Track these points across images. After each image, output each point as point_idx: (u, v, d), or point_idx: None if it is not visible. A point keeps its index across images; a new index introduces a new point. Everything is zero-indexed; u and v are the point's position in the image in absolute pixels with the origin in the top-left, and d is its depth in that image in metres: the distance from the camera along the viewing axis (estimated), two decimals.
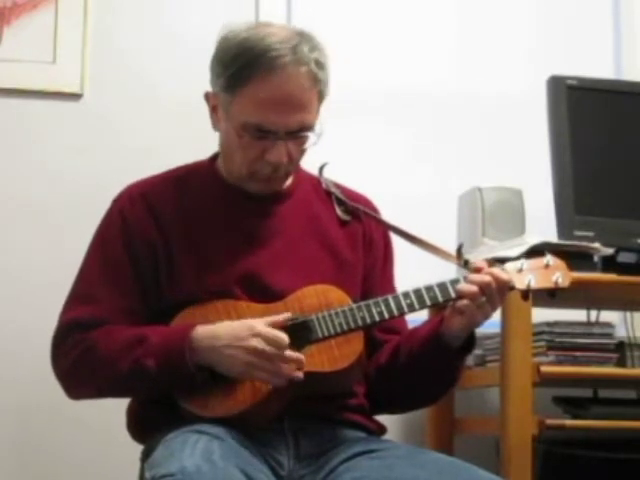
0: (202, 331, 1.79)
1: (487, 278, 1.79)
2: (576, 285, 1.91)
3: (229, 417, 1.76)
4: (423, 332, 1.91)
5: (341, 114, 2.93)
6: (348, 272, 1.96)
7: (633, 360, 2.56)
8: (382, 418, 2.00)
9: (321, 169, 2.05)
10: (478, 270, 1.82)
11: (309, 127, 1.87)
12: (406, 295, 1.83)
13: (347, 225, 2.00)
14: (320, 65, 1.86)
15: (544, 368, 2.40)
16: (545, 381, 2.40)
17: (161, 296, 1.89)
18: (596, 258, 2.54)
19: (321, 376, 1.79)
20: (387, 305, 1.83)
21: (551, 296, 1.88)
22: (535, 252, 2.16)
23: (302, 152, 1.92)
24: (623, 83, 2.98)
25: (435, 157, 3.14)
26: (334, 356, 1.81)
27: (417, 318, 2.04)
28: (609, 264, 2.54)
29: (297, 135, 1.87)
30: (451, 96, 3.15)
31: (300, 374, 1.75)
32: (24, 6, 2.87)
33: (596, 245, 2.50)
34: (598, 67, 3.11)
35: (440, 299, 1.83)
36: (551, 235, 2.53)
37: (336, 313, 1.82)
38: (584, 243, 2.50)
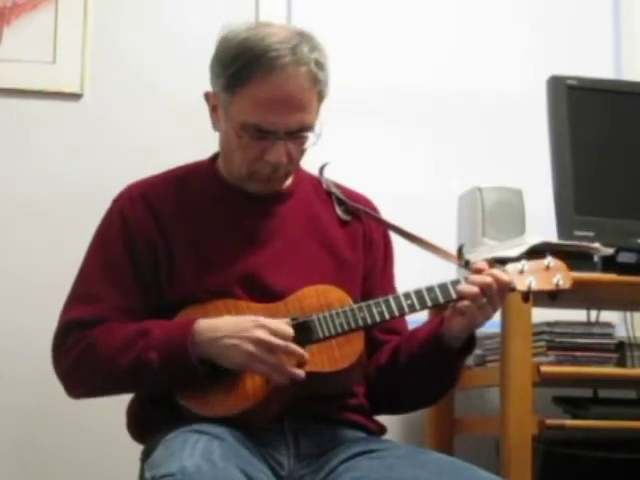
0: (204, 324, 1.79)
1: (488, 279, 1.79)
2: (576, 285, 1.91)
3: (229, 416, 1.76)
4: (423, 333, 1.91)
5: (341, 114, 2.93)
6: (348, 272, 1.96)
7: (633, 360, 2.57)
8: (382, 418, 2.00)
9: (321, 169, 2.05)
10: (479, 271, 1.82)
11: (309, 127, 1.87)
12: (407, 295, 1.83)
13: (347, 225, 2.00)
14: (320, 65, 1.86)
15: (544, 368, 2.40)
16: (545, 381, 2.40)
17: (161, 296, 1.89)
18: (596, 258, 2.55)
19: (321, 376, 1.79)
20: (388, 305, 1.83)
21: (552, 298, 1.88)
22: (535, 252, 2.17)
23: (302, 152, 1.92)
24: (623, 83, 2.98)
25: (435, 157, 3.14)
26: (334, 356, 1.81)
27: (417, 319, 2.04)
28: (609, 264, 2.55)
29: (297, 135, 1.87)
30: (451, 96, 3.16)
31: (302, 373, 1.75)
32: (24, 6, 2.87)
33: (596, 245, 2.50)
34: (598, 67, 3.11)
35: (441, 300, 1.83)
36: (551, 235, 2.53)
37: (337, 313, 1.82)
38: (584, 243, 2.50)
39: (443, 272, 2.13)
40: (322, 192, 2.03)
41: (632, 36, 3.26)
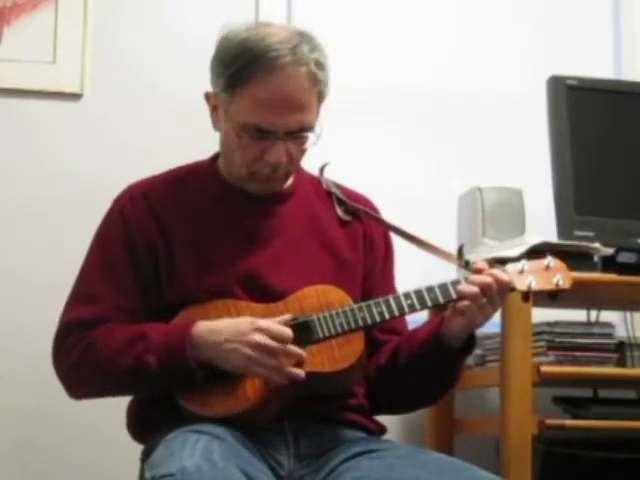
0: (203, 327, 1.79)
1: (488, 279, 1.79)
2: (576, 285, 1.91)
3: (229, 416, 1.76)
4: (423, 333, 1.91)
5: (341, 114, 2.92)
6: (348, 272, 1.96)
7: (633, 360, 2.57)
8: (382, 418, 2.00)
9: (322, 169, 2.05)
10: (479, 271, 1.82)
11: (309, 127, 1.87)
12: (407, 295, 1.83)
13: (347, 225, 2.00)
14: (320, 65, 1.86)
15: (544, 368, 2.40)
16: (545, 381, 2.40)
17: (161, 296, 1.89)
18: (596, 258, 2.55)
19: (321, 376, 1.79)
20: (388, 305, 1.83)
21: (552, 298, 1.88)
22: (535, 252, 2.17)
23: (302, 152, 1.92)
24: (623, 83, 2.98)
25: (435, 157, 3.14)
26: (334, 356, 1.81)
27: (417, 319, 2.04)
28: (609, 264, 2.55)
29: (297, 135, 1.87)
30: (451, 96, 3.16)
31: (302, 373, 1.75)
32: (24, 6, 2.87)
33: (596, 245, 2.50)
34: (598, 67, 3.11)
35: (441, 300, 1.83)
36: (551, 235, 2.53)
37: (337, 313, 1.82)
38: (584, 243, 2.50)
39: (443, 272, 2.13)
40: (322, 192, 2.03)
41: (632, 36, 3.26)
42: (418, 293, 1.83)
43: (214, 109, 1.93)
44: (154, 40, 2.95)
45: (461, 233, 2.76)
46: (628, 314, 2.83)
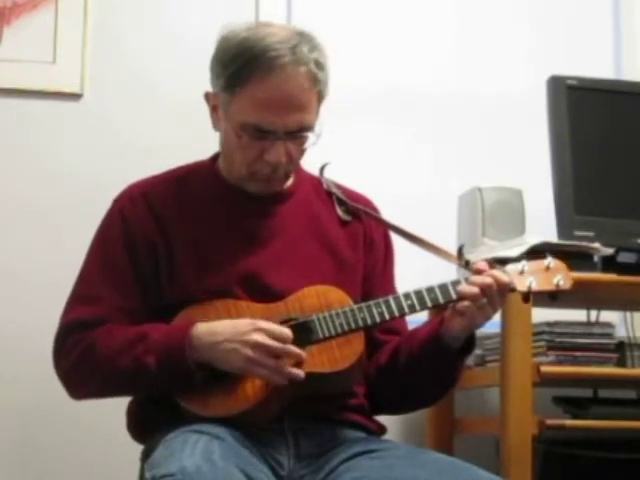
0: (202, 328, 1.79)
1: (488, 280, 1.79)
2: (576, 285, 1.91)
3: (229, 417, 1.76)
4: (423, 333, 1.91)
5: (341, 114, 2.93)
6: (348, 272, 1.96)
7: (633, 360, 2.57)
8: (382, 418, 2.00)
9: (322, 169, 2.05)
10: (479, 272, 1.82)
11: (308, 127, 1.87)
12: (407, 296, 1.83)
13: (348, 225, 2.00)
14: (320, 65, 1.86)
15: (544, 368, 2.40)
16: (545, 381, 2.40)
17: (161, 296, 1.89)
18: (596, 258, 2.55)
19: (321, 376, 1.79)
20: (388, 306, 1.83)
21: (552, 299, 1.88)
22: (535, 252, 2.17)
23: (301, 152, 1.92)
24: (623, 83, 2.98)
25: (435, 157, 3.14)
26: (335, 357, 1.81)
27: (417, 319, 2.04)
28: (609, 264, 2.55)
29: (296, 135, 1.87)
30: (451, 96, 3.16)
31: (302, 373, 1.75)
32: (24, 6, 2.87)
33: (596, 245, 2.50)
34: (598, 67, 3.11)
35: (441, 300, 1.83)
36: (551, 235, 2.53)
37: (337, 314, 1.82)
38: (584, 243, 2.50)
39: (443, 272, 2.13)
40: (322, 192, 2.03)
41: (632, 36, 3.26)
42: (418, 293, 1.83)
43: (214, 109, 1.93)
44: (154, 40, 2.95)
45: (461, 233, 2.76)
46: (628, 314, 2.83)
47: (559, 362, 2.46)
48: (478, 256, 2.28)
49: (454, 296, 1.82)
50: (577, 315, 2.65)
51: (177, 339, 1.78)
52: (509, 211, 2.68)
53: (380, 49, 3.14)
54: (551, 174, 2.61)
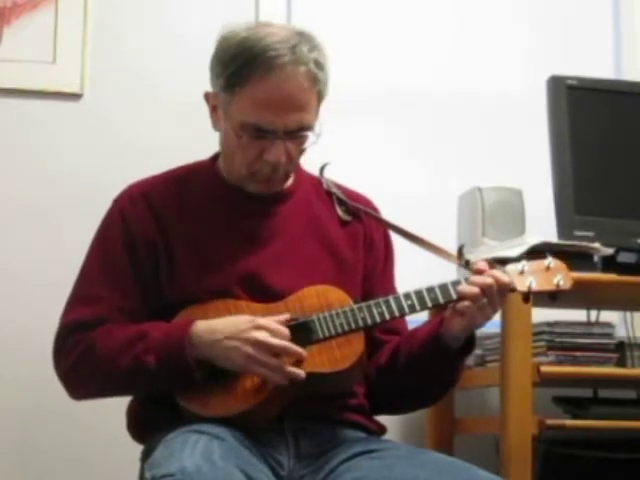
0: (202, 326, 1.79)
1: (489, 280, 1.79)
2: (576, 285, 1.91)
3: (229, 417, 1.76)
4: (423, 333, 1.91)
5: (341, 114, 2.93)
6: (348, 272, 1.96)
7: (633, 360, 2.57)
8: (382, 418, 2.00)
9: (322, 169, 2.04)
10: (479, 272, 1.82)
11: (308, 127, 1.87)
12: (407, 296, 1.83)
13: (348, 225, 2.00)
14: (319, 65, 1.86)
15: (544, 368, 2.40)
16: (545, 381, 2.40)
17: (161, 296, 1.89)
18: (596, 258, 2.55)
19: (322, 376, 1.79)
20: (388, 306, 1.83)
21: (552, 299, 1.88)
22: (535, 252, 2.17)
23: (301, 152, 1.92)
24: (623, 83, 2.98)
25: (435, 157, 3.14)
26: (335, 357, 1.81)
27: (417, 319, 2.04)
28: (609, 264, 2.55)
29: (296, 135, 1.87)
30: (451, 96, 3.16)
31: (302, 373, 1.75)
32: (24, 6, 2.87)
33: (596, 245, 2.50)
34: (598, 67, 3.11)
35: (441, 300, 1.83)
36: (551, 235, 2.53)
37: (337, 314, 1.82)
38: (584, 243, 2.50)
39: (443, 272, 2.13)
40: (322, 192, 2.03)
41: (632, 36, 3.26)
42: (418, 293, 1.83)
43: (214, 109, 1.93)
44: (154, 40, 2.95)
45: (461, 233, 2.76)
46: (628, 314, 2.83)
47: (559, 362, 2.46)
48: (478, 256, 2.28)
49: (454, 296, 1.81)
50: (577, 315, 2.65)
51: (177, 337, 1.79)
52: (509, 211, 2.68)
53: (380, 49, 3.14)
54: (551, 174, 2.61)
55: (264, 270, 1.89)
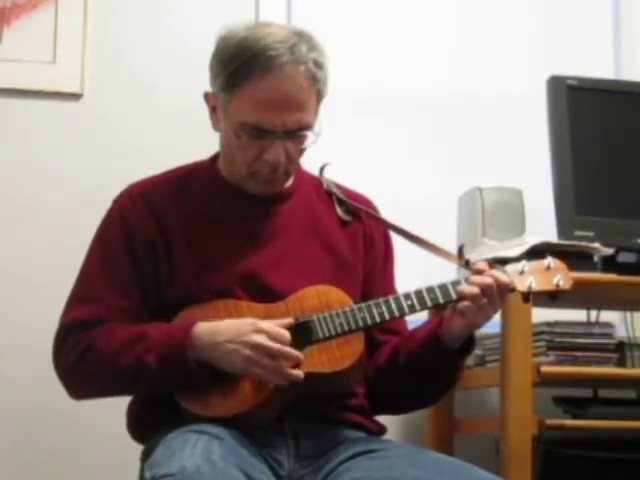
0: (203, 327, 1.79)
1: (489, 280, 1.79)
2: (576, 285, 1.91)
3: (230, 417, 1.76)
4: (422, 333, 1.91)
5: (341, 114, 2.93)
6: (348, 272, 1.96)
7: (633, 360, 2.57)
8: (382, 418, 2.00)
9: (322, 169, 2.05)
10: (479, 272, 1.82)
11: (307, 126, 1.87)
12: (407, 296, 1.83)
13: (348, 225, 2.00)
14: (318, 65, 1.86)
15: (544, 368, 2.40)
16: (545, 381, 2.40)
17: (161, 296, 1.89)
18: (596, 258, 2.54)
19: (321, 376, 1.79)
20: (388, 306, 1.83)
21: (552, 299, 1.88)
22: (535, 252, 2.17)
23: (301, 151, 1.92)
24: (623, 83, 2.98)
25: (435, 157, 3.14)
26: (335, 357, 1.81)
27: (417, 319, 2.04)
28: (609, 264, 2.54)
29: (295, 134, 1.87)
30: (451, 96, 3.15)
31: (301, 373, 1.75)
32: (24, 6, 2.87)
33: (596, 245, 2.50)
34: (598, 67, 3.11)
35: (441, 300, 1.83)
36: (551, 235, 2.53)
37: (337, 314, 1.82)
38: (584, 243, 2.50)
39: (444, 272, 2.13)
40: (322, 192, 2.03)
41: (632, 36, 3.26)
42: (418, 293, 1.83)
43: (213, 109, 1.93)
44: (154, 40, 2.95)
45: (461, 233, 2.76)
46: (628, 314, 2.83)
47: (559, 362, 2.46)
48: (478, 256, 2.29)
49: (454, 296, 1.81)
50: (577, 315, 2.65)
51: (178, 338, 1.79)
52: (509, 211, 2.68)
53: (380, 49, 3.14)
54: (551, 174, 2.61)
55: (264, 270, 1.89)
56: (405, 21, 3.18)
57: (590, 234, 2.55)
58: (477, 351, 2.64)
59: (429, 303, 1.83)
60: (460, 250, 1.89)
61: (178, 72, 2.91)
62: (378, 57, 3.14)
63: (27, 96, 2.86)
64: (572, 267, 1.93)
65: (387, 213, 2.07)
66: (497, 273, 1.82)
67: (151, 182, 2.00)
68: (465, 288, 1.80)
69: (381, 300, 1.83)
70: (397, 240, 2.05)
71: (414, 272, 2.24)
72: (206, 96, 1.94)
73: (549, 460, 2.64)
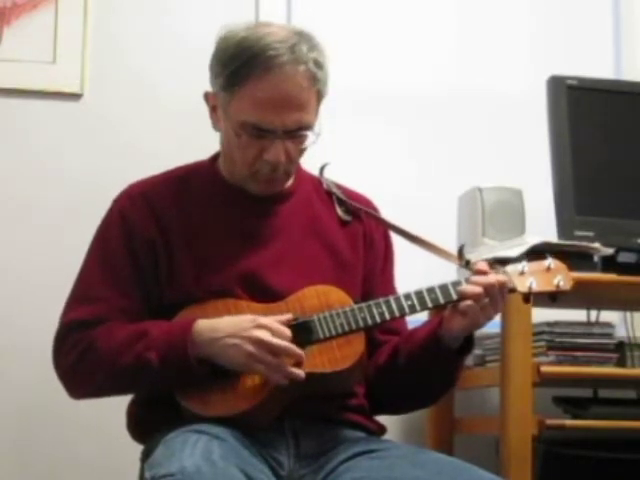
0: (203, 324, 1.79)
1: (491, 279, 1.80)
2: (576, 285, 1.91)
3: (230, 416, 1.76)
4: (422, 333, 1.91)
5: (341, 114, 2.93)
6: (348, 272, 1.96)
7: (633, 360, 2.57)
8: (382, 418, 2.00)
9: (322, 169, 2.05)
10: (480, 272, 1.82)
11: (307, 126, 1.87)
12: (407, 296, 1.83)
13: (348, 225, 2.00)
14: (319, 64, 1.86)
15: (544, 368, 2.40)
16: (545, 381, 2.40)
17: (161, 296, 1.89)
18: (596, 258, 2.54)
19: (322, 376, 1.79)
20: (388, 306, 1.83)
21: (552, 299, 1.88)
22: (535, 252, 2.17)
23: (301, 151, 1.92)
24: (623, 83, 2.98)
25: (435, 157, 3.14)
26: (335, 357, 1.81)
27: (417, 319, 2.04)
28: (609, 264, 2.54)
29: (295, 134, 1.87)
30: (451, 96, 3.16)
31: (302, 372, 1.75)
32: (24, 6, 2.87)
33: (596, 245, 2.50)
34: (598, 67, 3.11)
35: (441, 300, 1.83)
36: (551, 235, 2.53)
37: (337, 314, 1.82)
38: (584, 243, 2.50)
39: (444, 272, 2.13)
40: (323, 192, 2.03)
41: (632, 36, 3.26)
42: (418, 294, 1.83)
43: (213, 109, 1.93)
44: (154, 40, 2.95)
45: (461, 233, 2.76)
46: (628, 314, 2.83)
47: (559, 362, 2.46)
48: (478, 256, 2.29)
49: (455, 296, 1.81)
50: (577, 315, 2.65)
51: (178, 335, 1.79)
52: (509, 211, 2.68)
53: (380, 49, 3.14)
54: (551, 174, 2.61)
55: (264, 270, 1.89)
56: (405, 21, 3.18)
57: (590, 234, 2.55)
58: (477, 351, 2.64)
59: (429, 303, 1.83)
60: (460, 250, 1.89)
61: (178, 72, 2.91)
62: (378, 57, 3.14)
63: (27, 96, 2.86)
64: (572, 267, 1.93)
65: (387, 213, 2.07)
66: (495, 274, 1.82)
67: (151, 182, 2.00)
68: (467, 288, 1.80)
69: (381, 300, 1.83)
70: (397, 240, 2.05)
71: (414, 272, 2.24)
72: (206, 96, 1.94)
73: (549, 460, 2.64)
